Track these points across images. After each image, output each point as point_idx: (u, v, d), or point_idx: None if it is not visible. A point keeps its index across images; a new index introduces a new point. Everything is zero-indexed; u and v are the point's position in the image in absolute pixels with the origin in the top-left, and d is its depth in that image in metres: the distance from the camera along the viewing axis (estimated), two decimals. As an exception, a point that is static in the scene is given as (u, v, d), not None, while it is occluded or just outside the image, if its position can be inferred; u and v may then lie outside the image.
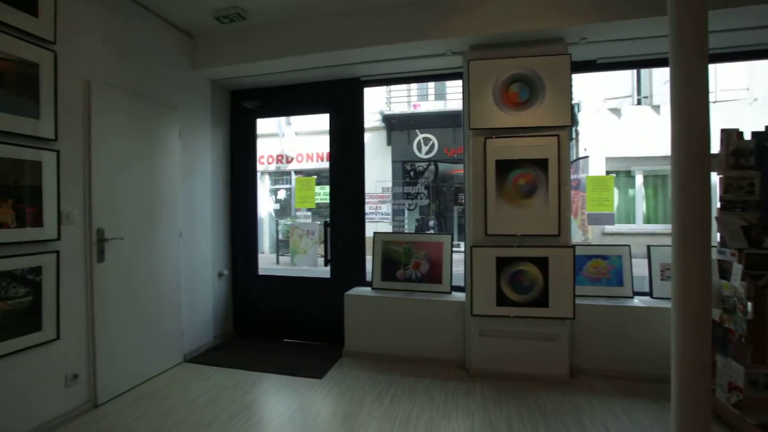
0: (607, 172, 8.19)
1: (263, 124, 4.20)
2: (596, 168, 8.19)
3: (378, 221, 9.31)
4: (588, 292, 3.19)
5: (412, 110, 9.93)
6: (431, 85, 9.92)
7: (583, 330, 3.04)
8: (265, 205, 10.25)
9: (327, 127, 3.90)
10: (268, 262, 8.51)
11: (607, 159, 8.47)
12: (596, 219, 3.82)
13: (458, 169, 9.60)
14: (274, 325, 3.99)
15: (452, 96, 9.65)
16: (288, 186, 10.58)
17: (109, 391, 2.68)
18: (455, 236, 7.22)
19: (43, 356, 2.31)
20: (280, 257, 8.92)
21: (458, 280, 3.47)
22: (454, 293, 3.42)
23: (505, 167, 2.97)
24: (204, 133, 3.70)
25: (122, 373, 2.78)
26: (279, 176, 10.70)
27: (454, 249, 3.61)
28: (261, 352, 3.60)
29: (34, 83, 2.22)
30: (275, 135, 10.02)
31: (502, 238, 2.98)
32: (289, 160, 10.27)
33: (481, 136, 3.01)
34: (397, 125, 9.77)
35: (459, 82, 3.42)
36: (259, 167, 7.53)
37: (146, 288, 2.99)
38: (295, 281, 3.99)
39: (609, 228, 7.84)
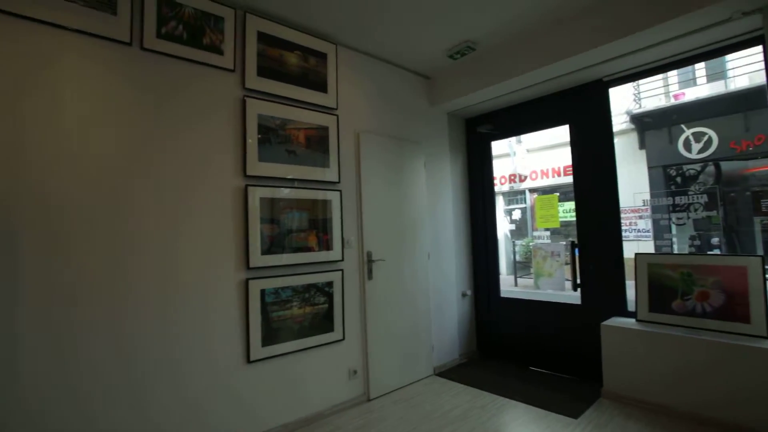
0: None
1: (494, 146, 4.24)
2: None
3: (633, 240, 7.74)
4: None
5: (672, 102, 7.98)
6: (699, 66, 7.72)
7: None
8: (501, 226, 10.23)
9: (561, 140, 3.59)
10: (505, 283, 8.38)
11: None
12: None
13: (759, 167, 7.01)
14: (518, 350, 3.84)
15: (738, 72, 7.23)
16: (523, 205, 10.25)
17: (378, 388, 3.16)
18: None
19: (334, 352, 2.94)
20: (519, 279, 8.63)
21: (780, 320, 2.46)
22: (774, 338, 2.44)
23: None
24: (444, 161, 4.03)
25: (386, 375, 3.23)
26: (513, 196, 10.52)
27: (769, 276, 2.60)
28: (505, 376, 3.51)
29: (325, 141, 2.96)
30: (506, 155, 9.98)
31: None
32: (522, 179, 9.98)
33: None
34: (651, 124, 8.00)
35: (751, 51, 2.56)
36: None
37: (403, 303, 3.42)
38: (540, 306, 3.75)
39: None
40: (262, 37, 2.68)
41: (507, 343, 3.93)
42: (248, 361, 2.49)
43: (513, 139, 9.81)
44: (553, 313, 3.62)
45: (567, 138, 3.54)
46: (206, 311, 2.37)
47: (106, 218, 2.07)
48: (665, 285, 2.89)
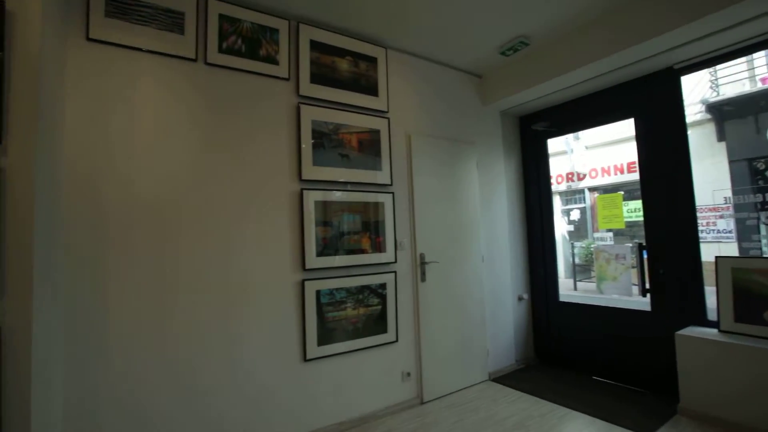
0: None
1: (550, 144, 4.05)
2: None
3: (712, 241, 7.02)
4: None
5: (759, 87, 7.16)
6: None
7: None
8: (558, 227, 9.74)
9: (624, 134, 3.34)
10: (564, 287, 7.97)
11: None
12: None
13: None
14: (579, 357, 3.63)
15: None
16: (581, 205, 9.71)
17: (431, 392, 3.12)
18: None
19: (388, 353, 2.95)
20: (578, 283, 8.18)
21: None
22: None
23: None
24: (497, 161, 3.92)
25: (439, 379, 3.19)
26: (570, 195, 10.00)
27: None
28: (566, 385, 3.33)
29: (377, 144, 2.99)
30: (563, 153, 9.51)
31: None
32: (581, 177, 9.46)
33: None
34: (733, 112, 7.21)
35: None
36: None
37: (456, 306, 3.36)
38: (604, 311, 3.52)
39: None
40: (315, 45, 2.77)
41: (567, 349, 3.74)
42: (305, 359, 2.57)
43: (570, 135, 9.33)
44: (618, 320, 3.38)
45: (631, 132, 3.31)
46: (265, 310, 2.47)
47: (174, 221, 2.23)
48: (754, 292, 2.60)
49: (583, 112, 3.68)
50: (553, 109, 3.89)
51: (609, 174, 8.92)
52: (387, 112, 3.10)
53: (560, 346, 3.80)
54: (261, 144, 2.54)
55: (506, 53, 3.37)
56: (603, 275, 3.53)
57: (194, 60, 2.34)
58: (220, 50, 2.43)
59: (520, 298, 3.96)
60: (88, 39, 2.06)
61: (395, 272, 3.02)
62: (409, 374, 3.04)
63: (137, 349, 2.07)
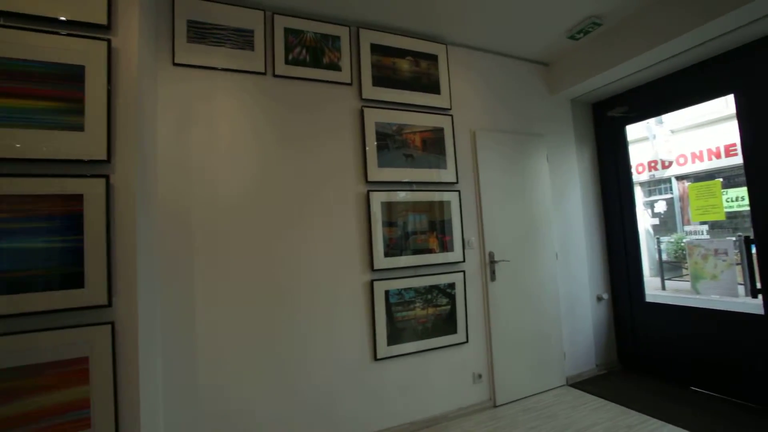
0: None
1: (629, 130, 3.71)
2: None
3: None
4: None
5: None
6: None
7: None
8: (641, 221, 8.88)
9: (720, 114, 2.94)
10: (650, 286, 7.26)
11: None
12: None
13: None
14: (672, 364, 3.29)
15: None
16: (668, 196, 8.78)
17: (504, 395, 3.02)
18: None
19: (458, 354, 2.91)
20: (667, 281, 7.41)
21: None
22: None
23: None
24: (569, 153, 3.68)
25: (512, 381, 3.07)
26: (654, 186, 9.09)
27: None
28: (657, 395, 3.04)
29: (440, 142, 2.95)
30: (644, 139, 8.67)
31: None
32: (666, 165, 8.56)
33: None
34: None
35: None
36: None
37: (528, 307, 3.22)
38: (703, 314, 3.13)
39: None
40: (375, 49, 2.81)
41: (656, 355, 3.40)
42: (375, 358, 2.61)
43: (652, 120, 8.48)
44: (722, 324, 3.00)
45: (728, 111, 2.92)
46: (336, 310, 2.55)
47: (249, 227, 2.39)
48: None
49: (667, 93, 3.33)
50: (631, 93, 3.56)
51: (702, 159, 7.94)
52: (450, 109, 3.05)
53: (648, 351, 3.47)
54: (328, 149, 2.63)
55: (575, 37, 3.15)
56: (699, 273, 3.16)
57: (264, 73, 2.49)
58: (287, 62, 2.55)
59: (599, 298, 3.69)
60: (174, 64, 2.28)
61: (464, 271, 2.96)
62: (480, 376, 2.97)
63: (218, 346, 2.25)
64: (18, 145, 1.56)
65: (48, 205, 1.58)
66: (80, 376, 1.58)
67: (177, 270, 2.19)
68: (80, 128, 1.64)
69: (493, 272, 3.07)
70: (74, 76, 1.65)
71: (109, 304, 1.64)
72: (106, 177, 1.66)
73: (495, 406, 2.98)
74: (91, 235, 1.62)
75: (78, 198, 1.62)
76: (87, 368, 1.59)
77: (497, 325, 3.06)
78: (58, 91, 1.63)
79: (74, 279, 1.59)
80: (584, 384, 3.32)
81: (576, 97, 3.73)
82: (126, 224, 1.71)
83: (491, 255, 3.08)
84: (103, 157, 1.66)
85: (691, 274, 3.27)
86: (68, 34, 1.66)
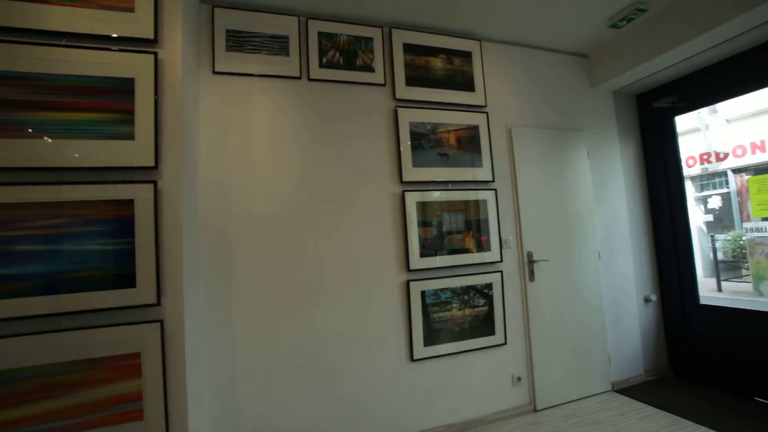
0: None
1: (678, 121, 3.49)
2: None
3: None
4: None
5: None
6: None
7: None
8: (692, 218, 8.31)
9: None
10: (704, 288, 6.78)
11: None
12: None
13: None
14: (732, 372, 3.06)
15: None
16: (724, 190, 8.18)
17: (544, 399, 2.92)
18: None
19: (496, 356, 2.84)
20: (723, 282, 6.90)
21: None
22: None
23: None
24: (612, 147, 3.52)
25: (553, 385, 2.97)
26: (707, 180, 8.49)
27: None
28: (714, 404, 2.84)
29: (476, 140, 2.90)
30: (695, 130, 8.11)
31: None
32: (720, 157, 7.97)
33: None
34: None
35: None
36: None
37: (570, 308, 3.10)
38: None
39: None
40: (408, 48, 2.80)
41: (714, 362, 3.18)
42: (411, 359, 2.60)
43: (704, 109, 7.92)
44: (787, 328, 2.76)
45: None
46: (373, 310, 2.57)
47: (286, 228, 2.45)
48: None
49: (723, 80, 3.10)
50: (680, 81, 3.35)
51: (763, 150, 7.32)
52: (485, 106, 2.99)
53: (704, 357, 3.25)
54: (362, 150, 2.65)
55: (618, 25, 3.00)
56: (762, 274, 2.92)
57: (299, 78, 2.54)
58: (321, 65, 2.59)
59: (647, 300, 3.49)
60: (214, 72, 2.37)
61: (501, 271, 2.89)
62: (519, 379, 2.89)
63: (256, 346, 2.32)
64: (76, 155, 1.67)
65: (102, 210, 1.68)
66: (133, 371, 1.68)
67: (217, 271, 2.28)
68: (131, 137, 1.74)
69: (531, 272, 2.99)
70: (125, 88, 1.75)
71: (158, 303, 1.73)
72: (154, 182, 1.75)
73: (535, 411, 2.89)
74: (141, 237, 1.72)
75: (129, 203, 1.71)
76: (139, 363, 1.69)
77: (537, 326, 2.97)
78: (111, 104, 1.73)
79: (126, 279, 1.69)
80: (632, 390, 3.16)
81: (618, 89, 3.55)
82: (172, 227, 1.80)
83: (530, 254, 2.99)
84: (152, 163, 1.76)
85: (752, 275, 3.04)
86: (119, 50, 1.76)
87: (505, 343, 2.86)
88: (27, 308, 1.57)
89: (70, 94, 1.69)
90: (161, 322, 1.73)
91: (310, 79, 2.57)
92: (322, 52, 2.60)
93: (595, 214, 3.30)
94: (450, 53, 2.91)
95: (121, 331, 1.68)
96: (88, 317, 1.66)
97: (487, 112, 2.98)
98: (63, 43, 1.71)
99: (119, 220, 1.70)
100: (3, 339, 1.55)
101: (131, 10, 1.80)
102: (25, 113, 1.63)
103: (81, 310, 1.63)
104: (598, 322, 3.19)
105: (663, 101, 3.45)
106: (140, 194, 1.73)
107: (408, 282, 2.63)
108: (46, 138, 1.65)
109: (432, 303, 2.67)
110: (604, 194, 3.41)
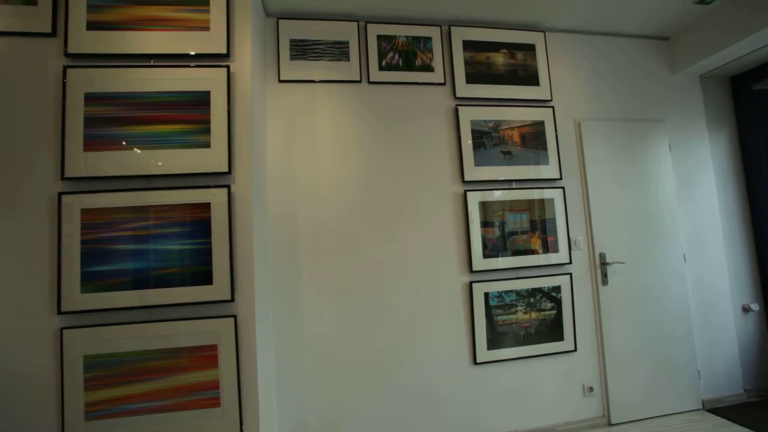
0: None
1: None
2: None
3: None
4: None
5: None
6: None
7: None
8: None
9: None
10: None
11: None
12: None
13: None
14: None
15: None
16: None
17: (620, 413, 2.70)
18: None
19: (565, 364, 2.68)
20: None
21: None
22: None
23: None
24: (699, 138, 3.16)
25: (630, 398, 2.74)
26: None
27: None
28: (835, 431, 2.44)
29: (541, 137, 2.76)
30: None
31: None
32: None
33: None
34: None
35: None
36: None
37: (649, 315, 2.83)
38: None
39: None
40: (468, 45, 2.74)
41: (833, 382, 2.73)
42: (474, 362, 2.54)
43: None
44: None
45: None
46: (436, 311, 2.55)
47: (350, 229, 2.50)
48: None
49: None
50: (788, 59, 2.92)
51: None
52: (550, 100, 2.84)
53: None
54: (423, 150, 2.64)
55: (707, 0, 2.69)
56: None
57: (359, 81, 2.59)
58: (380, 68, 2.62)
59: (746, 309, 3.09)
60: (280, 81, 2.50)
61: (570, 274, 2.73)
62: (591, 389, 2.70)
63: (322, 345, 2.40)
64: (160, 163, 1.85)
65: (182, 213, 1.85)
66: (211, 361, 1.82)
67: (286, 270, 2.40)
68: (207, 145, 1.89)
69: (604, 275, 2.78)
70: (202, 100, 1.91)
71: (232, 300, 1.85)
72: (228, 187, 1.88)
73: (610, 425, 2.69)
74: (216, 238, 1.86)
75: (206, 206, 1.86)
76: (216, 354, 1.82)
77: (611, 333, 2.75)
78: (191, 115, 1.90)
79: (204, 277, 1.83)
80: (728, 411, 2.81)
81: (707, 72, 3.18)
82: (244, 229, 1.92)
83: (602, 256, 2.78)
84: (225, 169, 1.89)
85: None
86: (197, 65, 1.92)
87: (575, 350, 2.69)
88: (123, 300, 1.77)
89: (158, 109, 1.87)
90: (235, 317, 1.85)
91: (370, 82, 2.61)
92: (381, 55, 2.63)
93: (679, 213, 2.98)
94: (512, 47, 2.80)
95: (199, 324, 1.82)
96: (173, 310, 1.83)
97: (552, 107, 2.82)
98: (151, 63, 1.90)
99: (197, 222, 1.85)
100: (107, 326, 1.76)
101: (207, 29, 1.95)
102: (122, 128, 1.85)
103: (167, 303, 1.80)
104: (684, 332, 2.88)
105: (765, 82, 3.03)
106: (216, 198, 1.87)
107: (471, 283, 2.57)
108: (136, 149, 1.84)
109: (496, 305, 2.58)
110: (690, 190, 3.07)
